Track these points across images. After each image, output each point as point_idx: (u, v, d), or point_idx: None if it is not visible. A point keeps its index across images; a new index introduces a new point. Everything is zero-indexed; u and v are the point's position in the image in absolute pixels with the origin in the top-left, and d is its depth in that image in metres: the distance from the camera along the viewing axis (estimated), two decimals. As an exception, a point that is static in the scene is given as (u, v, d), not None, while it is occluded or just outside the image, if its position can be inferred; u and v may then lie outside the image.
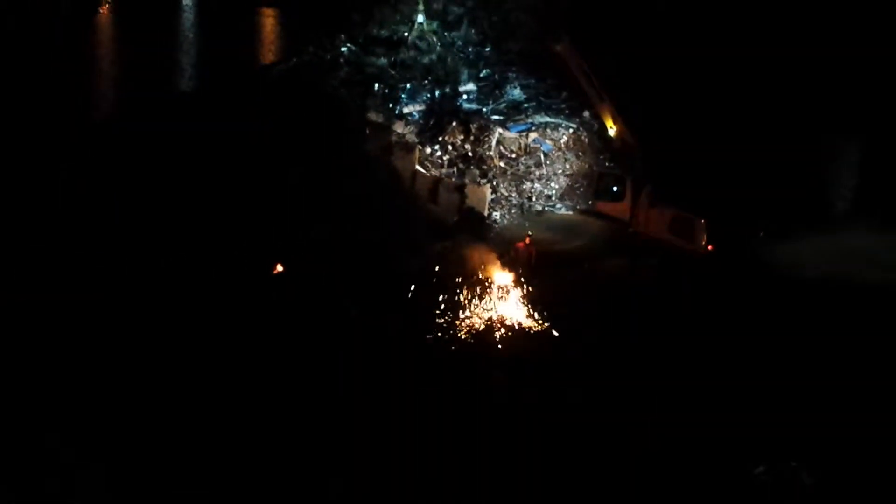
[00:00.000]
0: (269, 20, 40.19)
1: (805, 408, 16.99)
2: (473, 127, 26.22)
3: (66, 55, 33.77)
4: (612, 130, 25.27)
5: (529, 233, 22.68)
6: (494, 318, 20.31)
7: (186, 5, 42.38)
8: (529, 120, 26.71)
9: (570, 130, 26.47)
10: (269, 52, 36.37)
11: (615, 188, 24.80)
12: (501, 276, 21.03)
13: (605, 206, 25.10)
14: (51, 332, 18.23)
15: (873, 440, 16.09)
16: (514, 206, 25.44)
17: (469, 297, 20.67)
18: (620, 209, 24.76)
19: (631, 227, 24.35)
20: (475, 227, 23.84)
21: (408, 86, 27.67)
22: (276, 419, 16.29)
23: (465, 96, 27.27)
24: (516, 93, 27.44)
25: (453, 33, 28.32)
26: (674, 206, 23.79)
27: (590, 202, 25.59)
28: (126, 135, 26.70)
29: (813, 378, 17.95)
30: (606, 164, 25.68)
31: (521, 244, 21.89)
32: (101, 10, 41.10)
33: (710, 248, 23.15)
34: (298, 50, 30.68)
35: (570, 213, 25.65)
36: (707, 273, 22.10)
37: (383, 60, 28.09)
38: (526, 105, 27.11)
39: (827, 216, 25.56)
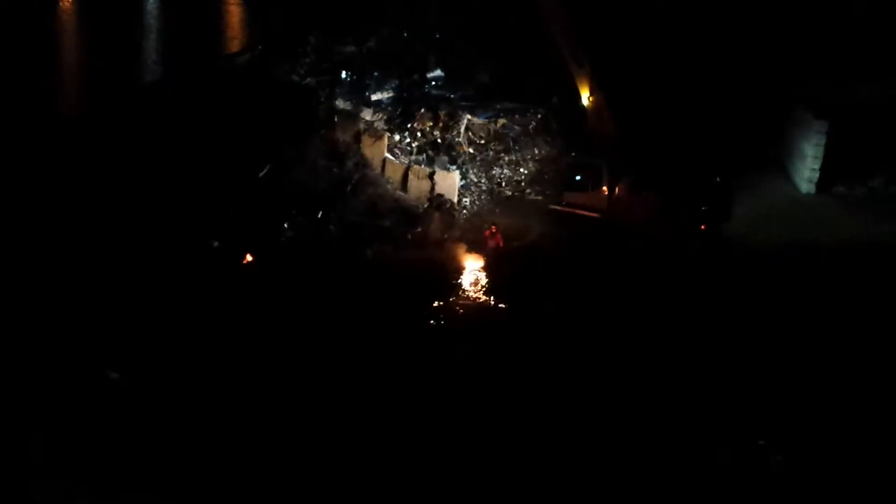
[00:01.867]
0: (234, 8, 39.78)
1: (774, 385, 17.03)
2: (442, 114, 26.14)
3: (28, 46, 33.27)
4: (586, 100, 23.62)
5: (494, 221, 22.18)
6: (463, 304, 20.32)
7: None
8: (498, 105, 26.68)
9: (539, 115, 26.46)
10: (234, 39, 36.01)
11: (589, 179, 23.58)
12: (470, 263, 21.06)
13: (578, 198, 23.80)
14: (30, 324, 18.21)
15: (844, 418, 16.09)
16: (484, 191, 25.40)
17: (439, 284, 20.72)
18: (596, 199, 23.67)
19: (605, 217, 23.46)
20: (445, 213, 23.80)
21: (376, 73, 27.58)
22: (251, 410, 16.31)
23: (433, 83, 27.22)
24: (484, 78, 27.39)
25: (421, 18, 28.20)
26: (657, 190, 22.83)
27: (560, 195, 24.27)
28: (94, 128, 26.45)
29: (784, 354, 17.96)
30: (572, 153, 24.89)
31: (486, 232, 21.59)
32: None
33: (702, 227, 22.45)
34: (264, 38, 30.45)
35: (540, 198, 25.55)
36: (700, 254, 21.72)
37: (351, 48, 27.96)
38: (494, 91, 27.07)
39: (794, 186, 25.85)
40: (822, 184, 25.84)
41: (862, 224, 23.55)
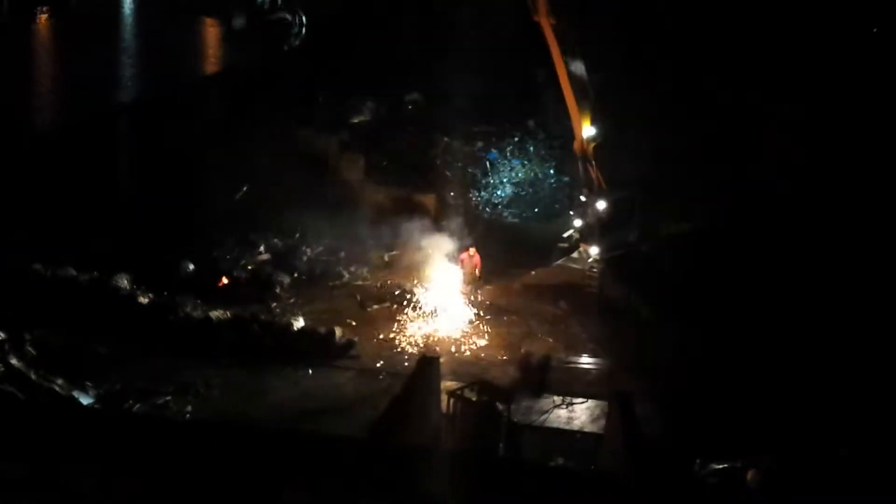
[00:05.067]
0: (211, 30, 39.70)
1: (753, 402, 16.62)
2: (420, 136, 26.18)
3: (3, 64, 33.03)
4: (588, 131, 20.97)
5: (471, 244, 21.96)
6: (441, 329, 20.08)
7: (126, 14, 41.81)
8: (476, 128, 26.76)
9: (516, 139, 26.56)
10: (211, 61, 35.98)
11: (629, 210, 21.32)
12: (449, 287, 20.87)
13: (620, 235, 21.15)
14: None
15: (824, 434, 15.81)
16: (461, 214, 25.32)
17: (415, 307, 20.60)
18: (632, 229, 21.29)
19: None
20: (422, 236, 23.68)
21: (354, 95, 27.62)
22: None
23: (410, 105, 27.28)
24: (462, 101, 27.46)
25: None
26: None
27: (600, 241, 21.21)
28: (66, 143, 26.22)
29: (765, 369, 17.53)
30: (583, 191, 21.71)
31: (465, 255, 21.35)
32: (40, 19, 40.30)
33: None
34: (242, 60, 30.46)
35: (517, 220, 25.41)
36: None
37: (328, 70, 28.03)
38: (472, 113, 27.15)
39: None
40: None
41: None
